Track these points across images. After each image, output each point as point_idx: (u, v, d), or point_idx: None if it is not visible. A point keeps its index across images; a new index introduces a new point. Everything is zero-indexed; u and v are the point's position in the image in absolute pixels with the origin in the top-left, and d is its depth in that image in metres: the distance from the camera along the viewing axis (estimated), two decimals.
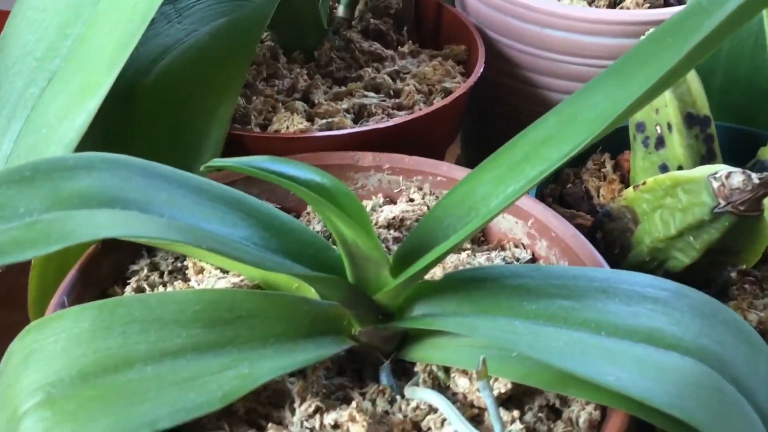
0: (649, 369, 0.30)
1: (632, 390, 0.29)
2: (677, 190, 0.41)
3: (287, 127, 0.48)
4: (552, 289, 0.34)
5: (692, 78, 0.49)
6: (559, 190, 0.55)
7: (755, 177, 0.37)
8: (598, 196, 0.54)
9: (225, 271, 0.39)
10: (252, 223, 0.32)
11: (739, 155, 0.53)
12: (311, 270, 0.33)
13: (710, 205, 0.39)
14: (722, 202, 0.39)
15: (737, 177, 0.38)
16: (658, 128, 0.49)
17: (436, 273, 0.41)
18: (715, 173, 0.39)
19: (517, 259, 0.43)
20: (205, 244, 0.28)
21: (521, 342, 0.31)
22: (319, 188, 0.31)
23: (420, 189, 0.47)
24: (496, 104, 0.65)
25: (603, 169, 0.56)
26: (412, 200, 0.47)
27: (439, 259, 0.32)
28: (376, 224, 0.44)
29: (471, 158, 0.72)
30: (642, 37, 0.31)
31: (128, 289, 0.40)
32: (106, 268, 0.40)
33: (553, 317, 0.33)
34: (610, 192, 0.54)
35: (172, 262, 0.41)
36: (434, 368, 0.35)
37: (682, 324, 0.33)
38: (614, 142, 0.56)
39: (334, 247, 0.35)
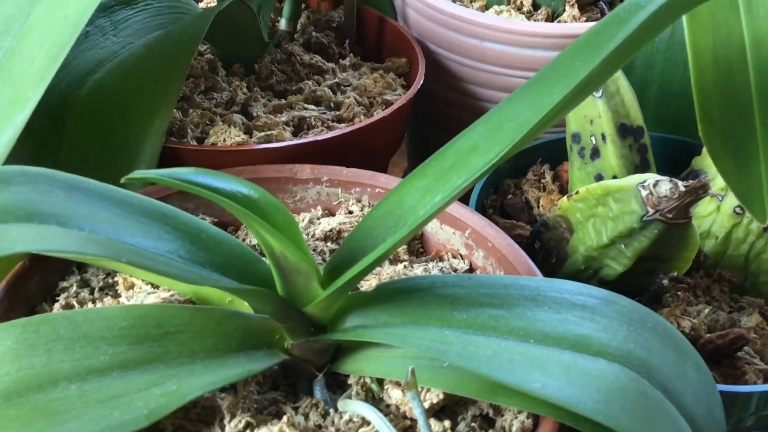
0: (575, 375, 0.30)
1: (557, 397, 0.29)
2: (608, 199, 0.41)
3: (224, 140, 0.48)
4: (483, 298, 0.34)
5: (625, 90, 0.50)
6: (499, 201, 0.55)
7: (682, 185, 0.38)
8: (538, 207, 0.55)
9: (156, 286, 0.38)
10: (178, 237, 0.32)
11: (674, 164, 0.54)
12: (240, 283, 0.33)
13: (639, 214, 0.40)
14: (651, 210, 0.39)
15: (665, 185, 0.39)
16: (593, 139, 0.50)
17: (372, 284, 0.41)
18: (644, 182, 0.39)
19: (455, 270, 0.44)
20: (124, 257, 0.27)
21: (450, 351, 0.31)
22: (245, 200, 0.30)
23: (359, 201, 0.47)
24: (439, 116, 0.66)
25: (543, 180, 0.56)
26: (351, 212, 0.47)
27: (368, 270, 0.32)
28: (313, 236, 0.44)
29: None
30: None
31: (57, 306, 0.39)
32: (34, 286, 0.39)
33: (482, 326, 0.33)
34: (549, 202, 0.55)
35: (104, 278, 0.40)
36: (368, 380, 0.35)
37: (610, 330, 0.33)
38: (554, 152, 0.57)
39: (265, 259, 0.35)
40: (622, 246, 0.42)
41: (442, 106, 0.64)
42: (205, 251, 0.32)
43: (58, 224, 0.28)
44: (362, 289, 0.41)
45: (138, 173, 0.28)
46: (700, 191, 0.37)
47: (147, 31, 0.51)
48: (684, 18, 0.34)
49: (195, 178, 0.29)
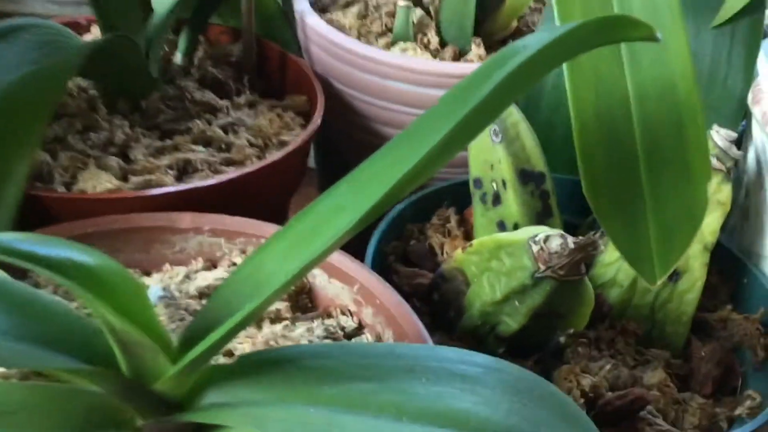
0: None
1: None
2: (501, 253, 0.39)
3: (94, 186, 0.44)
4: (354, 369, 0.31)
5: (526, 134, 0.48)
6: (402, 247, 0.53)
7: (571, 241, 0.36)
8: (442, 254, 0.53)
9: None
10: (2, 309, 0.28)
11: (581, 208, 0.52)
12: (80, 360, 0.29)
13: (531, 270, 0.38)
14: (542, 267, 0.37)
15: (555, 241, 0.37)
16: (494, 185, 0.48)
17: (246, 349, 0.38)
18: (534, 237, 0.37)
19: (343, 328, 0.41)
20: None
21: None
22: (77, 270, 0.27)
23: (243, 252, 0.44)
24: (344, 154, 0.63)
25: (448, 224, 0.54)
26: (234, 264, 0.43)
27: (222, 343, 0.29)
28: (187, 294, 0.41)
29: None
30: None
31: None
32: None
33: (351, 402, 0.30)
34: (454, 248, 0.52)
35: None
36: None
37: (492, 403, 0.31)
38: (461, 195, 0.54)
39: None
40: (516, 302, 0.39)
41: (346, 143, 0.62)
42: (37, 324, 0.29)
43: None
44: (236, 353, 0.38)
45: None
46: (589, 248, 0.35)
47: (18, 67, 0.47)
48: (565, 68, 0.32)
49: (18, 246, 0.26)
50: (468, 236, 0.53)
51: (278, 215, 0.55)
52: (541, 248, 0.37)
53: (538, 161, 0.48)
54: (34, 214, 0.43)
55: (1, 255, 0.26)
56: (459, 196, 0.55)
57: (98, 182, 0.44)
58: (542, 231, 0.38)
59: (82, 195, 0.44)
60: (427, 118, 0.28)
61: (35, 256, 0.26)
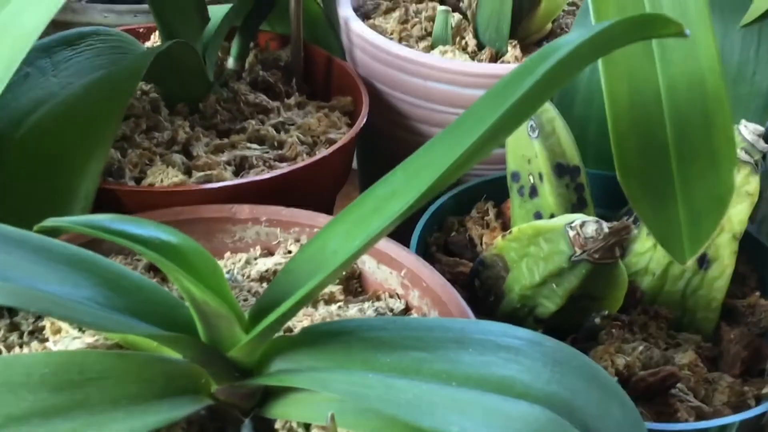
0: (495, 418, 0.31)
1: None
2: (539, 239, 0.42)
3: (161, 180, 0.48)
4: (407, 341, 0.34)
5: (561, 130, 0.51)
6: (443, 239, 0.56)
7: (606, 226, 0.39)
8: (481, 244, 0.55)
9: (82, 331, 0.38)
10: (96, 282, 0.32)
11: (613, 202, 0.55)
12: (163, 329, 0.33)
13: (568, 254, 0.40)
14: (578, 251, 0.40)
15: (591, 226, 0.39)
16: (531, 178, 0.51)
17: (305, 326, 0.41)
18: (571, 223, 0.40)
19: (391, 309, 0.44)
20: (35, 306, 0.27)
21: (371, 395, 0.31)
22: (163, 246, 0.30)
23: (297, 241, 0.47)
24: (387, 153, 0.66)
25: (486, 217, 0.57)
26: (290, 252, 0.47)
27: (290, 314, 0.32)
28: (248, 277, 0.44)
29: None
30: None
31: None
32: None
33: (405, 369, 0.33)
34: (492, 239, 0.55)
35: (33, 322, 0.40)
36: (294, 425, 0.35)
37: (533, 371, 0.34)
38: (499, 190, 0.57)
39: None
40: (554, 285, 0.42)
41: (389, 142, 0.65)
42: (125, 297, 0.32)
43: None
44: (295, 330, 0.41)
45: (50, 221, 0.28)
46: (623, 232, 0.38)
47: (88, 71, 0.51)
48: (600, 63, 0.35)
49: (110, 225, 0.29)
50: (506, 228, 0.56)
51: (326, 210, 0.59)
52: (578, 233, 0.40)
53: (573, 155, 0.51)
54: (106, 207, 0.47)
55: (95, 233, 0.29)
56: (496, 190, 0.58)
57: (165, 176, 0.47)
58: (578, 217, 0.40)
59: (151, 188, 0.48)
60: (473, 111, 0.31)
61: (125, 234, 0.30)
